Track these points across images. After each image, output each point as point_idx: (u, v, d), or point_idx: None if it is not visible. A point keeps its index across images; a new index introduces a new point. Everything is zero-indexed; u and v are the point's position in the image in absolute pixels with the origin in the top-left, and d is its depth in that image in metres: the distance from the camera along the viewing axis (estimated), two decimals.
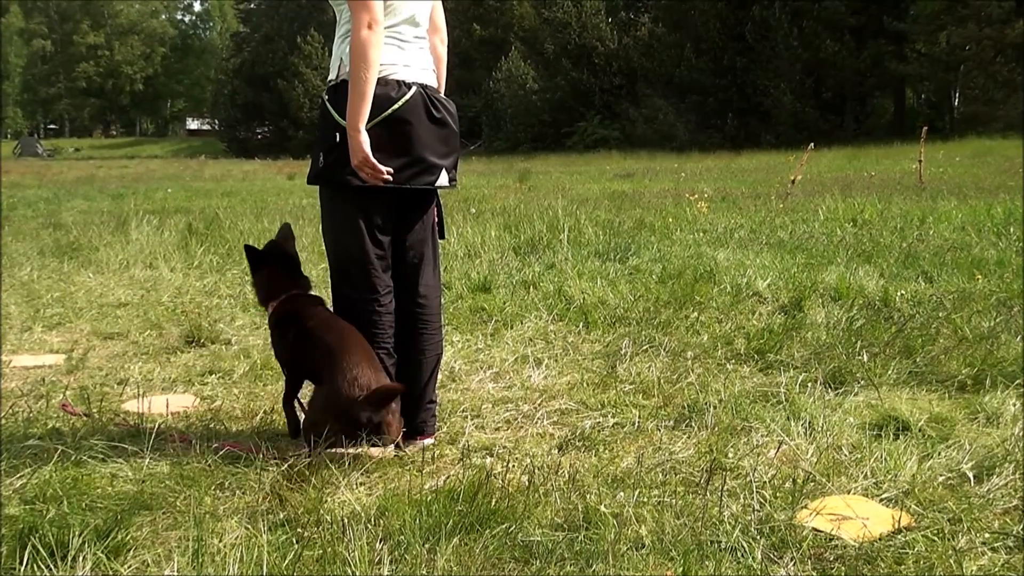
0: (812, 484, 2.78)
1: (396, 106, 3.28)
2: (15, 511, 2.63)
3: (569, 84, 50.77)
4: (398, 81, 3.33)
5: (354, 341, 3.12)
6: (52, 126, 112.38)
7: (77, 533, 2.41)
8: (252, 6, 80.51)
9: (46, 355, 4.79)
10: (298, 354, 3.26)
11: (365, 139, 3.16)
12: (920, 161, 14.99)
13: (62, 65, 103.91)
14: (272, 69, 65.98)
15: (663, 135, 44.85)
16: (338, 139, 3.23)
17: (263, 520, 2.59)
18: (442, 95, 3.59)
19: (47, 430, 3.44)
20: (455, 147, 3.52)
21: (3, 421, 3.59)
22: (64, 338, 5.22)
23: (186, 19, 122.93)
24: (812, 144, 16.25)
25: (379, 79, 3.26)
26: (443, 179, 3.43)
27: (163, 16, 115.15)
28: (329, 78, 3.47)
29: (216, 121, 74.16)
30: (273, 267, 3.40)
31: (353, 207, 3.26)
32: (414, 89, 3.36)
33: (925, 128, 15.57)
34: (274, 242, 3.48)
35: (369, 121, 3.19)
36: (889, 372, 3.97)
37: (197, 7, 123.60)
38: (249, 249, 3.43)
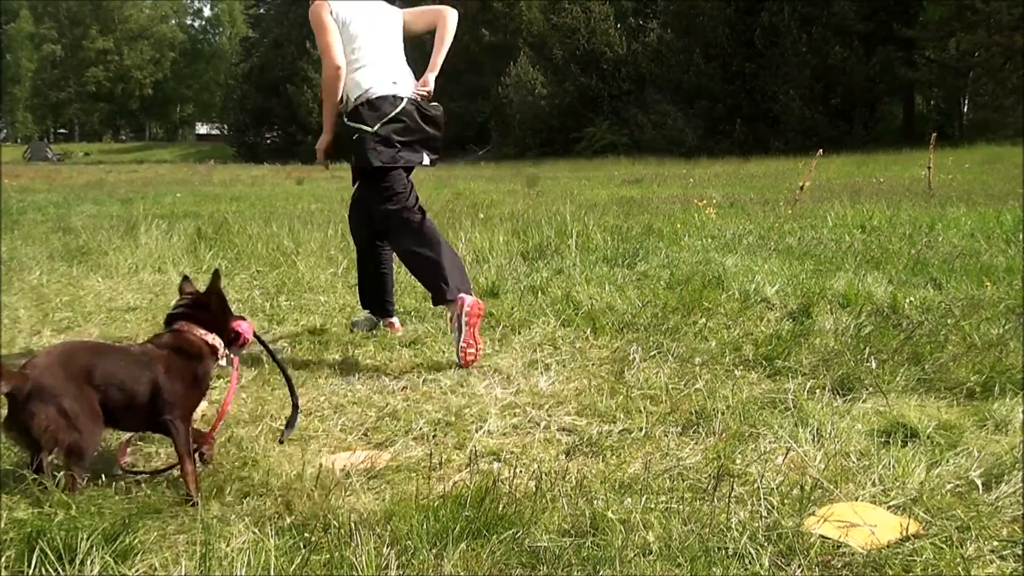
0: (820, 491, 2.78)
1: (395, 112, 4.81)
2: (23, 515, 2.63)
3: (578, 90, 50.85)
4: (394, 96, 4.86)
5: None
6: (62, 131, 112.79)
7: (85, 537, 2.41)
8: (261, 11, 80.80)
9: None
10: None
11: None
12: (929, 167, 14.96)
13: (72, 70, 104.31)
14: (281, 74, 66.10)
15: (672, 141, 44.91)
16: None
17: (271, 525, 2.59)
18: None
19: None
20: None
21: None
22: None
23: (196, 24, 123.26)
24: (821, 150, 16.27)
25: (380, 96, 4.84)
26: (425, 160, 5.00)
27: (173, 21, 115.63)
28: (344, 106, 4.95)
29: (225, 126, 74.45)
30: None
31: None
32: (406, 101, 4.89)
33: (934, 134, 15.53)
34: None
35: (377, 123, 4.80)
36: (897, 379, 3.96)
37: (207, 12, 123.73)
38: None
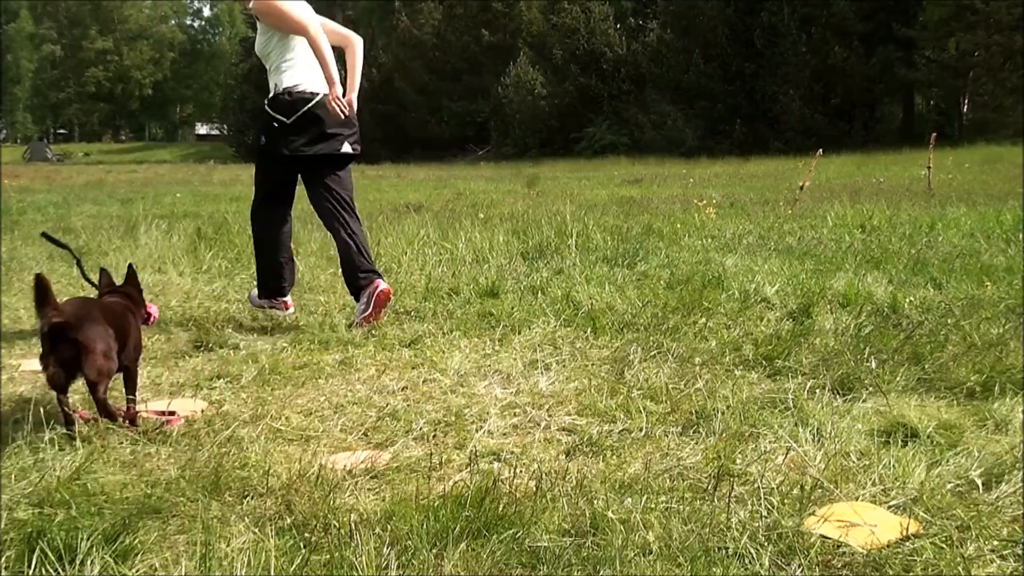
0: (820, 491, 2.78)
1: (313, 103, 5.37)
2: (24, 515, 2.63)
3: (577, 90, 50.87)
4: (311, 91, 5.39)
5: None
6: (62, 131, 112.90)
7: (85, 537, 2.41)
8: None
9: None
10: None
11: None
12: (929, 167, 14.97)
13: (72, 70, 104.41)
14: None
15: (671, 141, 44.94)
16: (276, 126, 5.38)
17: (271, 525, 2.59)
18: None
19: (56, 434, 3.44)
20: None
21: (12, 424, 3.61)
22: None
23: (195, 24, 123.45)
24: (821, 150, 16.28)
25: (299, 91, 5.37)
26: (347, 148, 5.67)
27: (172, 21, 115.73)
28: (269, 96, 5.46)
29: (225, 126, 74.45)
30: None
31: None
32: (321, 94, 5.38)
33: (934, 134, 15.54)
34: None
35: (294, 115, 5.35)
36: (898, 379, 3.96)
37: (206, 12, 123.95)
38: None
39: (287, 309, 5.83)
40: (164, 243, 9.14)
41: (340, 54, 5.72)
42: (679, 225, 9.95)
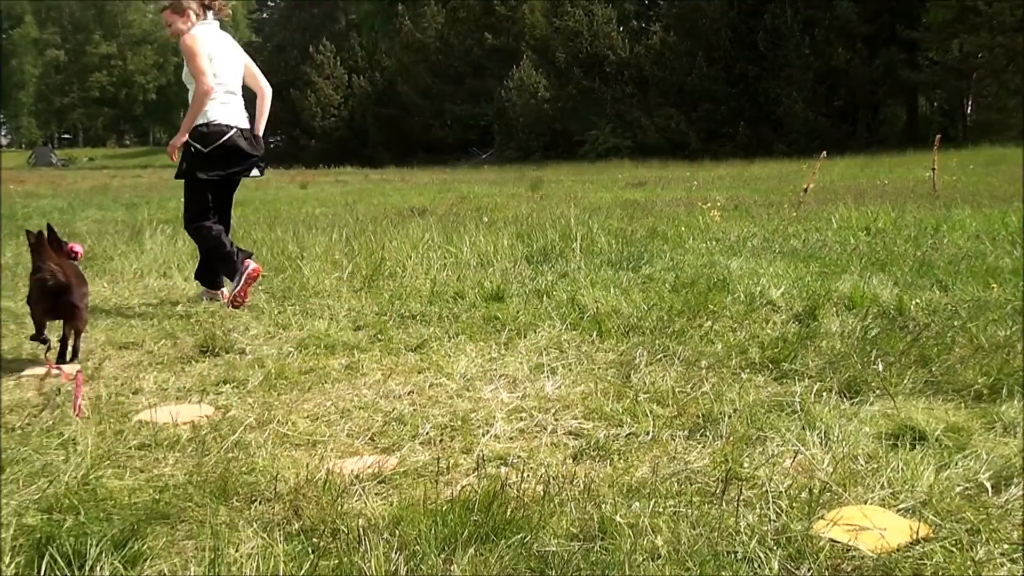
0: (828, 494, 2.78)
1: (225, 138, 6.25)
2: (33, 521, 2.64)
3: (580, 92, 50.82)
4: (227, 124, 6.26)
5: None
6: (66, 136, 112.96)
7: (94, 542, 2.42)
8: (264, 16, 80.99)
9: (61, 364, 4.79)
10: None
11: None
12: (934, 169, 14.94)
13: (76, 75, 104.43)
14: (285, 78, 65.95)
15: (675, 144, 44.89)
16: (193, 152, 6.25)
17: (279, 530, 2.59)
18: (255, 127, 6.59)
19: (63, 440, 3.44)
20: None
21: (19, 431, 3.61)
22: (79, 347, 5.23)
23: None
24: (824, 152, 16.24)
25: (216, 124, 6.22)
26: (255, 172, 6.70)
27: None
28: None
29: None
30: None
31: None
32: (235, 128, 6.33)
33: (938, 136, 15.53)
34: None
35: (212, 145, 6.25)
36: (905, 381, 3.95)
37: None
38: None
39: (223, 298, 6.59)
40: (169, 248, 9.16)
41: (254, 95, 6.80)
42: (683, 228, 9.94)
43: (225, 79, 6.39)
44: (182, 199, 6.58)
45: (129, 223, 12.88)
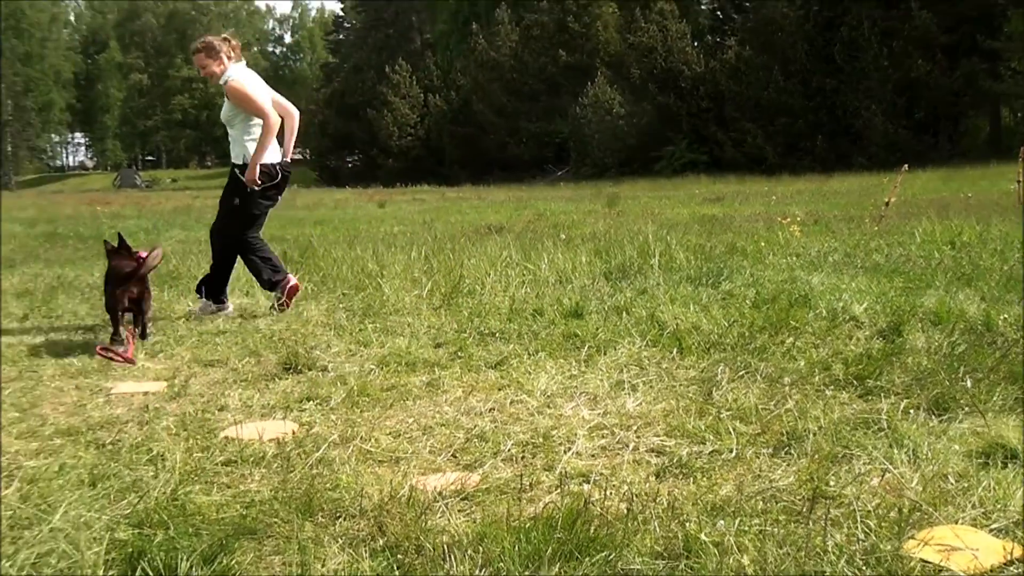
0: (918, 514, 2.72)
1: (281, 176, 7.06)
2: (124, 535, 2.69)
3: (656, 108, 50.70)
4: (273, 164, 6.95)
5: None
6: (150, 157, 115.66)
7: (184, 557, 2.46)
8: (341, 37, 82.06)
9: (149, 382, 4.90)
10: None
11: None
12: (1019, 181, 14.61)
13: (159, 98, 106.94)
14: (361, 98, 67.04)
15: (752, 158, 44.57)
16: (250, 190, 6.89)
17: (364, 546, 2.62)
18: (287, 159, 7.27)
19: (152, 456, 3.51)
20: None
21: (109, 447, 3.70)
22: (166, 365, 5.34)
23: (277, 51, 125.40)
24: (906, 165, 15.97)
25: (265, 164, 6.83)
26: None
27: (255, 48, 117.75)
28: (238, 162, 6.95)
29: (307, 150, 75.39)
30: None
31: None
32: (278, 164, 7.02)
33: (1023, 148, 15.17)
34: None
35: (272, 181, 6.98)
36: (994, 398, 3.87)
37: (288, 39, 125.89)
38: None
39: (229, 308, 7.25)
40: None
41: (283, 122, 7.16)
42: (763, 243, 9.85)
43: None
44: (224, 211, 7.23)
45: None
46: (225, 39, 7.03)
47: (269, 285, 7.15)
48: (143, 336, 5.99)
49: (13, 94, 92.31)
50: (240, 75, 6.88)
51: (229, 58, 6.95)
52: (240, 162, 6.93)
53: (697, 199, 23.15)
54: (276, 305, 7.03)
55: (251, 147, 6.84)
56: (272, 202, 7.20)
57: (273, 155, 6.96)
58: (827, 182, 29.47)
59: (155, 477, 3.24)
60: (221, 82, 6.89)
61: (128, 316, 6.07)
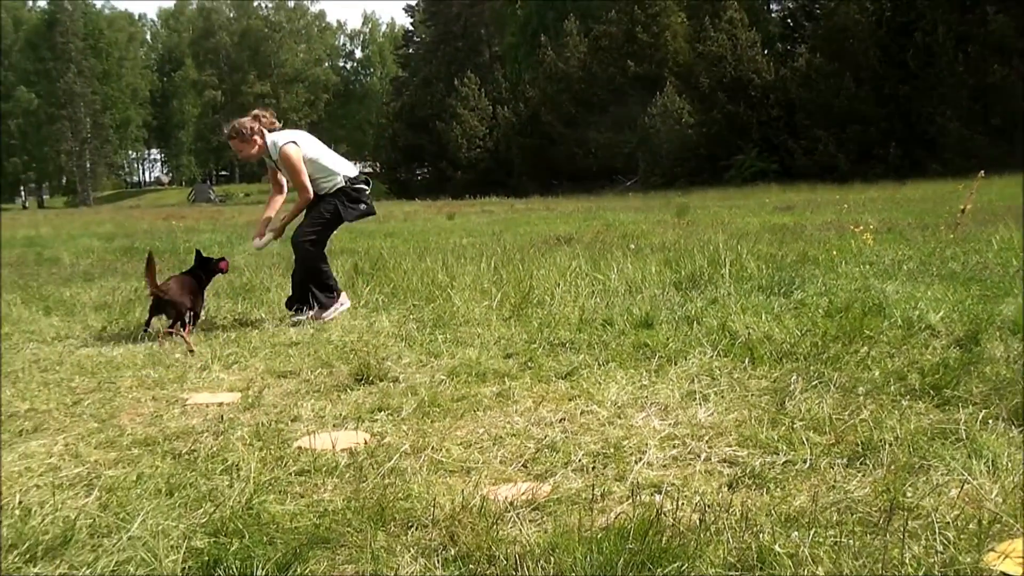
0: (998, 526, 2.67)
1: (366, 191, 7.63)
2: (200, 544, 2.73)
3: (725, 117, 50.39)
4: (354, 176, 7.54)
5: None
6: (223, 172, 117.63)
7: (260, 565, 2.50)
8: (410, 51, 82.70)
9: (223, 393, 4.97)
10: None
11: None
12: None
13: (232, 114, 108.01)
14: (431, 112, 67.52)
15: (823, 166, 44.09)
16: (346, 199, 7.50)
17: (436, 556, 2.63)
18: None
19: (227, 465, 3.56)
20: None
21: (185, 456, 3.75)
22: (240, 376, 5.41)
23: (348, 66, 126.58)
24: (982, 172, 15.68)
25: (352, 179, 7.50)
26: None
27: (326, 64, 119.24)
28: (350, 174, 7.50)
29: (377, 163, 76.05)
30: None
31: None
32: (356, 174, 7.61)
33: None
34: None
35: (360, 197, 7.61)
36: None
37: (358, 54, 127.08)
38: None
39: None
40: None
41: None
42: (835, 252, 9.73)
43: (325, 156, 7.46)
44: (305, 223, 7.49)
45: (284, 256, 13.22)
46: (255, 116, 7.36)
47: (319, 303, 7.39)
48: (145, 328, 6.89)
49: (92, 112, 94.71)
50: (291, 143, 7.24)
51: (269, 130, 7.34)
52: (341, 185, 7.43)
53: (767, 208, 22.93)
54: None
55: (339, 176, 7.41)
56: (360, 213, 7.62)
57: (348, 170, 7.47)
58: (900, 189, 29.06)
59: (230, 486, 3.28)
60: (271, 154, 7.28)
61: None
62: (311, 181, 7.30)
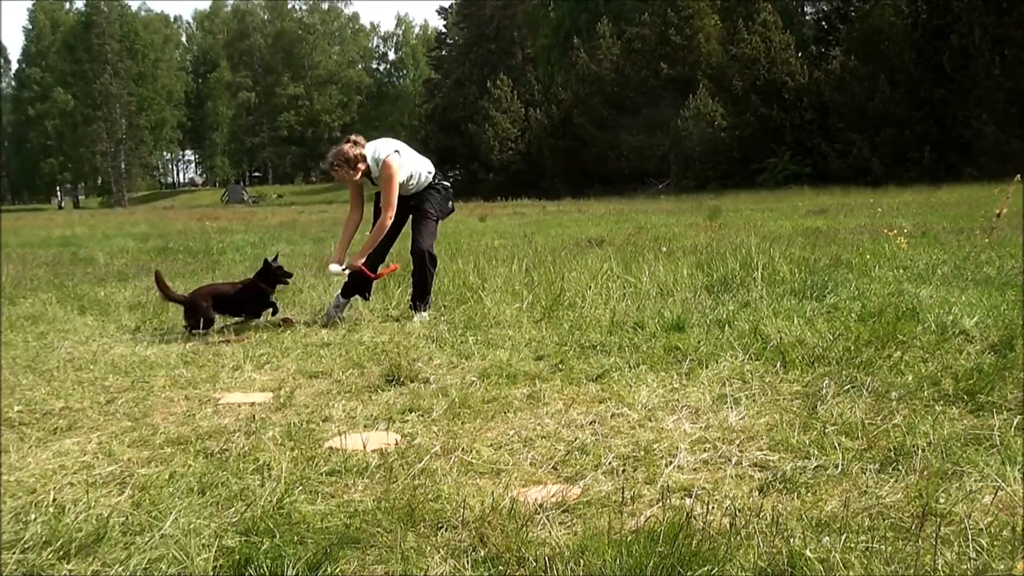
0: None
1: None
2: (232, 543, 2.76)
3: (758, 120, 50.15)
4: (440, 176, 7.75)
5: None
6: (256, 174, 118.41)
7: (290, 564, 2.51)
8: (443, 53, 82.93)
9: (255, 393, 5.00)
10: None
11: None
12: None
13: (265, 115, 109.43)
14: (463, 113, 67.72)
15: (857, 170, 43.79)
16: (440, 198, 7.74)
17: (466, 557, 2.63)
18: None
19: (258, 465, 3.58)
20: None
21: (217, 456, 3.78)
22: (272, 376, 5.45)
23: (381, 68, 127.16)
24: (1018, 176, 15.53)
25: (438, 179, 7.71)
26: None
27: (359, 66, 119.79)
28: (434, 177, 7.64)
29: None
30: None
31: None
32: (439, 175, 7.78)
33: None
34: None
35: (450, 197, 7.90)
36: None
37: (391, 56, 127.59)
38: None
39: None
40: None
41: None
42: (869, 256, 9.67)
43: (417, 163, 7.50)
44: (424, 234, 7.56)
45: (317, 257, 13.31)
46: (350, 142, 7.26)
47: (347, 292, 7.71)
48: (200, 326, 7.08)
49: (127, 113, 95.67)
50: (394, 155, 7.23)
51: (364, 160, 7.22)
52: (436, 180, 7.64)
53: (800, 211, 22.81)
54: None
55: (423, 178, 7.53)
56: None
57: (428, 172, 7.57)
58: (935, 193, 28.82)
59: (262, 486, 3.30)
60: (372, 171, 7.26)
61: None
62: (405, 184, 7.39)
